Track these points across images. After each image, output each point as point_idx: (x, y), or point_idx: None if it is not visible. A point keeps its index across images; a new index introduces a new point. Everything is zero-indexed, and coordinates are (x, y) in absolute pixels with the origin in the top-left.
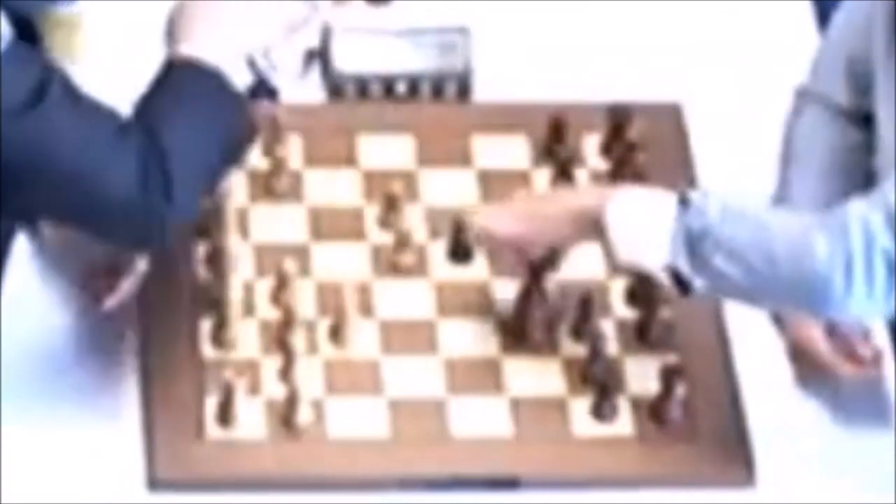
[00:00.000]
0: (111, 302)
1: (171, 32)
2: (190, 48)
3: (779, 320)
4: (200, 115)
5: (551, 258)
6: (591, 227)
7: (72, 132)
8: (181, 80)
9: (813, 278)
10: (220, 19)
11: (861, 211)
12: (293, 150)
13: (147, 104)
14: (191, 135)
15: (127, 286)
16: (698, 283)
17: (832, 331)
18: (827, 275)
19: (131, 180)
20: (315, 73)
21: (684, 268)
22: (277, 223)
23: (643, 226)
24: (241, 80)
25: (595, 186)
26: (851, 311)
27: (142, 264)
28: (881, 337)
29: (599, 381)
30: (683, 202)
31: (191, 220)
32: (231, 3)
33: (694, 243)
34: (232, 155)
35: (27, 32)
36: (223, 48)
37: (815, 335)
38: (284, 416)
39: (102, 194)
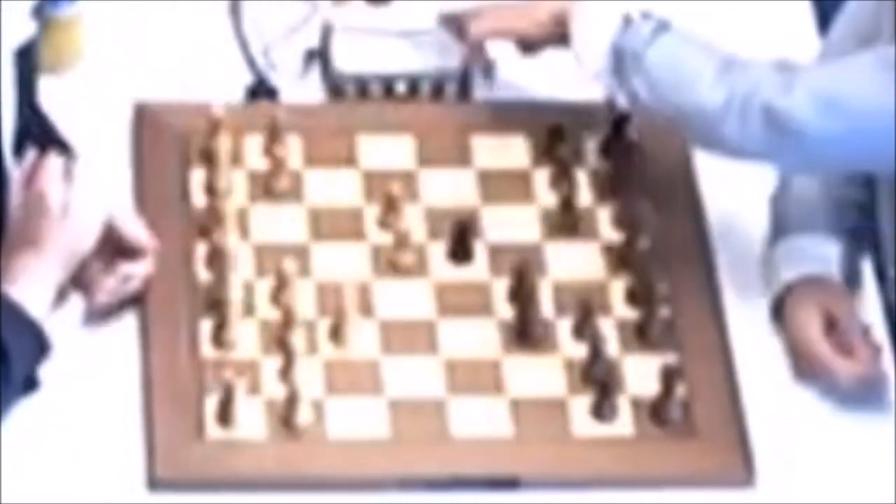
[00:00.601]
0: (102, 298)
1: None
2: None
3: (778, 319)
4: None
5: None
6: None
7: None
8: None
9: (701, 110)
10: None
11: (762, 67)
12: (293, 150)
13: None
14: None
15: (114, 283)
16: (620, 97)
17: (831, 329)
18: (711, 108)
19: None
20: (315, 73)
21: (609, 82)
22: (277, 223)
23: (589, 36)
24: (240, 79)
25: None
26: (732, 152)
27: (143, 266)
28: (880, 334)
29: (599, 381)
30: (627, 21)
31: None
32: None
33: (621, 61)
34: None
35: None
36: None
37: (813, 336)
38: (284, 416)
39: None
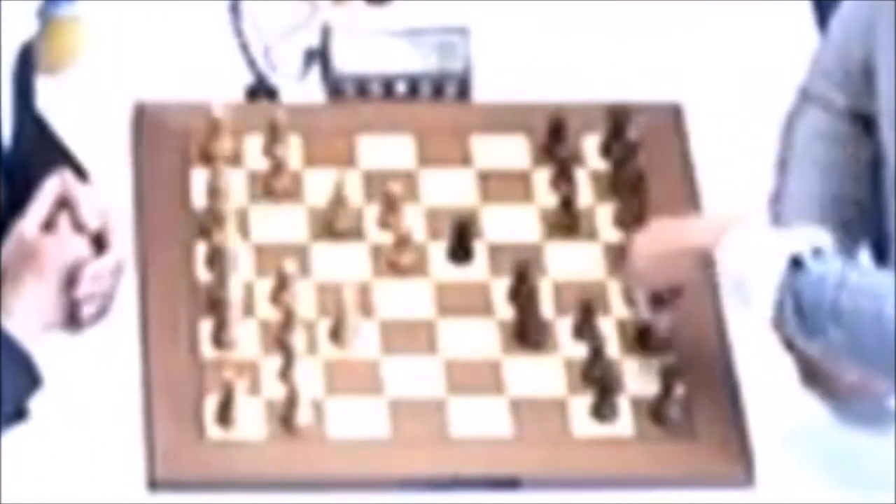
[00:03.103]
0: (93, 268)
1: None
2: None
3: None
4: None
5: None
6: (706, 266)
7: None
8: None
9: None
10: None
11: None
12: (293, 150)
13: None
14: None
15: (89, 287)
16: (811, 348)
17: None
18: None
19: None
20: (315, 73)
21: (794, 329)
22: (277, 223)
23: (752, 279)
24: (240, 79)
25: (711, 222)
26: None
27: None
28: None
29: (599, 381)
30: (797, 264)
31: None
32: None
33: (804, 309)
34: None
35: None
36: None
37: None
38: (284, 417)
39: None
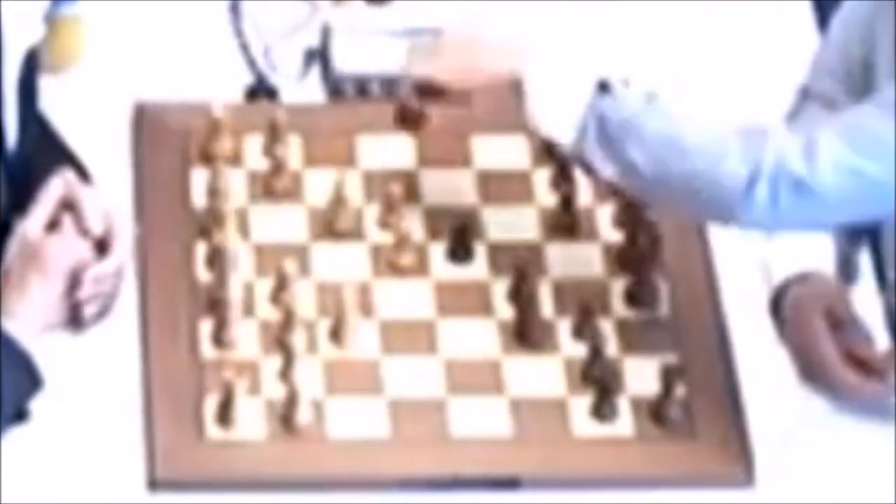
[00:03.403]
0: (95, 271)
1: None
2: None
3: (776, 315)
4: None
5: None
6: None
7: None
8: None
9: (718, 182)
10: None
11: (780, 134)
12: (293, 150)
13: None
14: None
15: (91, 290)
16: (608, 170)
17: (833, 327)
18: (732, 183)
19: None
20: (315, 73)
21: (595, 153)
22: (277, 223)
23: (557, 100)
24: (240, 79)
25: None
26: (750, 224)
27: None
28: (880, 333)
29: (599, 381)
30: (603, 88)
31: None
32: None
33: (608, 130)
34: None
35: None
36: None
37: (826, 351)
38: (284, 416)
39: None
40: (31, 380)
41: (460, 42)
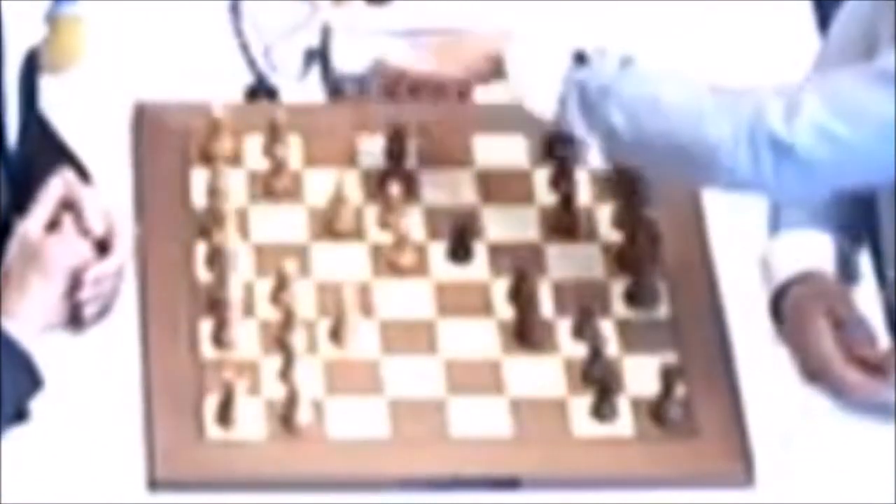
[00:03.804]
0: (96, 271)
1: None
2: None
3: (777, 315)
4: None
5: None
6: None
7: None
8: None
9: (698, 142)
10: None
11: (761, 94)
12: (293, 150)
13: None
14: None
15: (91, 291)
16: (590, 139)
17: (835, 326)
18: (712, 141)
19: None
20: (315, 73)
21: (577, 122)
22: (277, 223)
23: (538, 76)
24: (240, 79)
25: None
26: (735, 185)
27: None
28: (880, 332)
29: (599, 381)
30: (580, 59)
31: None
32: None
33: (587, 98)
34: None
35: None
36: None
37: (827, 351)
38: (284, 416)
39: None
40: (32, 380)
41: (439, 38)
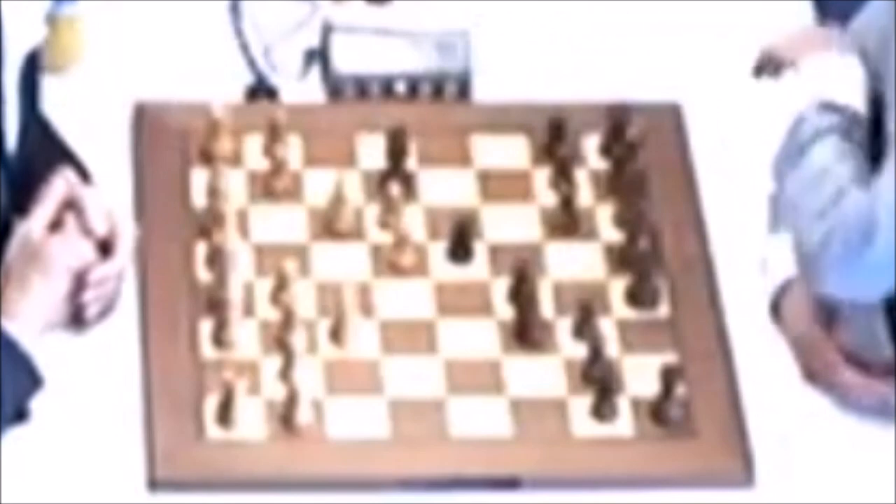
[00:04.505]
0: (99, 272)
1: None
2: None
3: (777, 316)
4: None
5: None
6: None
7: None
8: None
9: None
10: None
11: (852, 196)
12: (293, 150)
13: None
14: None
15: (93, 293)
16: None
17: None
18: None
19: None
20: (315, 73)
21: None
22: (277, 223)
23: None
24: (240, 79)
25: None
26: (823, 285)
27: (113, 265)
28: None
29: (599, 381)
30: (825, 105)
31: None
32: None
33: (788, 143)
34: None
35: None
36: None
37: (827, 352)
38: (284, 416)
39: None
40: (32, 380)
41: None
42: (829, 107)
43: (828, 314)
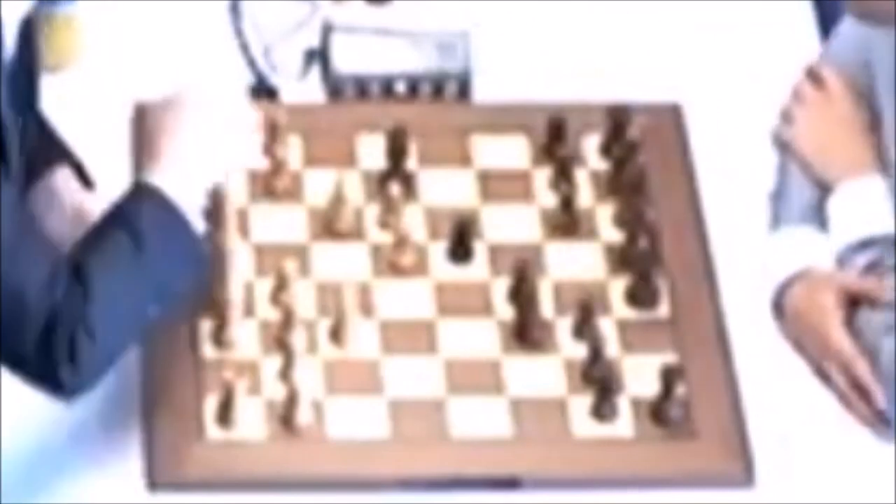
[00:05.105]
0: None
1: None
2: (159, 179)
3: (779, 315)
4: (144, 256)
5: None
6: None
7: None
8: (138, 214)
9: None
10: (188, 155)
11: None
12: (293, 150)
13: (91, 242)
14: (121, 288)
15: None
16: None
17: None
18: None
19: (38, 326)
20: (315, 73)
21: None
22: (277, 223)
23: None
24: (240, 86)
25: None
26: None
27: None
28: None
29: (599, 381)
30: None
31: (87, 387)
32: (196, 140)
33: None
34: (171, 298)
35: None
36: (189, 186)
37: (839, 340)
38: (284, 416)
39: (13, 327)
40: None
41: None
42: (866, 243)
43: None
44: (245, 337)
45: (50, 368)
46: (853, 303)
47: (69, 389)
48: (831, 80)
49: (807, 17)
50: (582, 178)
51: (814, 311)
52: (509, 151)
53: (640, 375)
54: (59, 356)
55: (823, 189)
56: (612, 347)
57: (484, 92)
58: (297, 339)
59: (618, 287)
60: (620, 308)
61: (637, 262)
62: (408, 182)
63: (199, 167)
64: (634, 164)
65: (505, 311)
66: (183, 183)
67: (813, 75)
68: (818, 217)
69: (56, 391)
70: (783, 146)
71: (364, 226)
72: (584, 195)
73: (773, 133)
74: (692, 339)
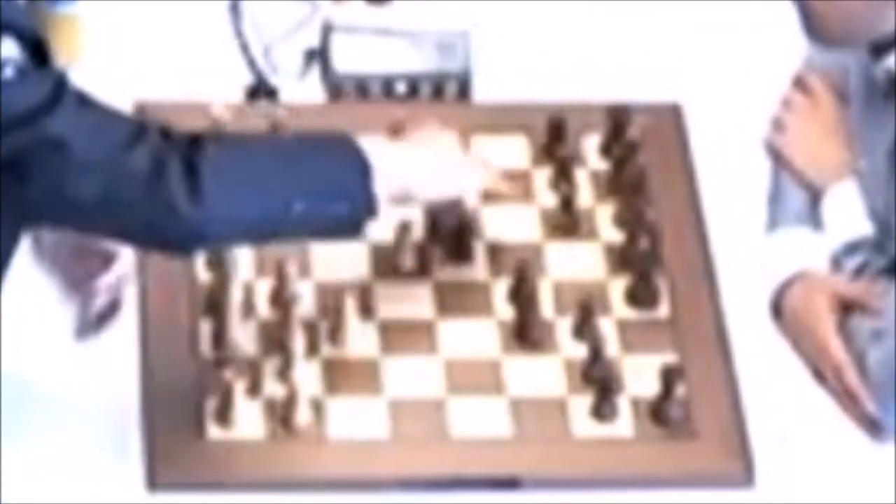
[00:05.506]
0: (108, 279)
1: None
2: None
3: (778, 315)
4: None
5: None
6: None
7: (84, 133)
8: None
9: None
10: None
11: None
12: None
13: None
14: (253, 164)
15: (114, 280)
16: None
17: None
18: None
19: (141, 179)
20: (315, 73)
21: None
22: None
23: None
24: (240, 79)
25: None
26: None
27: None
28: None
29: (599, 381)
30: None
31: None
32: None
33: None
34: (323, 199)
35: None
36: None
37: (832, 345)
38: (284, 417)
39: (113, 192)
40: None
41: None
42: (854, 246)
43: (832, 308)
44: (245, 337)
45: (163, 197)
46: (846, 307)
47: (192, 222)
48: (817, 87)
49: None
50: (582, 178)
51: (809, 313)
52: (509, 151)
53: (640, 375)
54: (172, 185)
55: (815, 193)
56: (612, 347)
57: (484, 92)
58: (297, 339)
59: (618, 287)
60: (620, 308)
61: (637, 262)
62: None
63: (415, 169)
64: (634, 164)
65: (505, 311)
66: (391, 160)
67: (800, 83)
68: (813, 218)
69: (177, 228)
70: (775, 153)
71: None
72: (584, 195)
73: (764, 141)
74: (692, 339)
